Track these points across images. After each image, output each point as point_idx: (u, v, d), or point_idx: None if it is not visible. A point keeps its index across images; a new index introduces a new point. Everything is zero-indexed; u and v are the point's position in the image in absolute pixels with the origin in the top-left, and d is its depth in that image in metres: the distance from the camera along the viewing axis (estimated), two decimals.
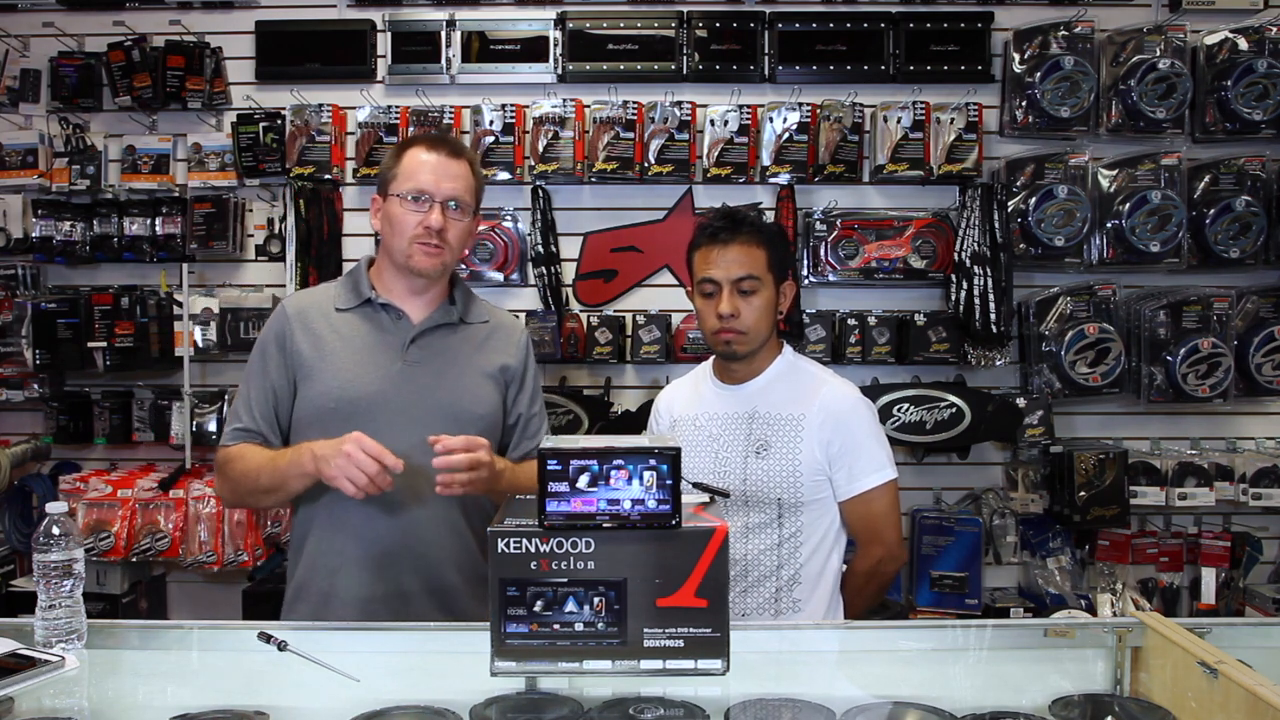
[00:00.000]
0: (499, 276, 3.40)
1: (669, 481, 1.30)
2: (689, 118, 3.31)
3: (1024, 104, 3.31)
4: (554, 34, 3.38)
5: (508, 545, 1.29)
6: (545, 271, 3.33)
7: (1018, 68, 3.32)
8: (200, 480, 3.26)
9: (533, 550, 1.29)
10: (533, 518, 1.31)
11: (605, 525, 1.30)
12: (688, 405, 2.17)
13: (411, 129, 3.35)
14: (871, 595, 2.12)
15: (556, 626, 1.29)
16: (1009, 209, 3.27)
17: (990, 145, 3.40)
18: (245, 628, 1.54)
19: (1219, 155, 3.36)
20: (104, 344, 3.31)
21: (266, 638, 1.49)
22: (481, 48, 3.40)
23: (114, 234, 3.40)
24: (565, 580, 1.29)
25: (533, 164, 3.33)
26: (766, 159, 3.33)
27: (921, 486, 3.43)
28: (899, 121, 3.30)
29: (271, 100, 3.42)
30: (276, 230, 3.45)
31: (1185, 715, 1.34)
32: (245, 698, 1.42)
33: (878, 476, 2.03)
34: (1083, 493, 3.22)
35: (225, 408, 3.31)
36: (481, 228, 3.29)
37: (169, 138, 3.45)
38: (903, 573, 3.33)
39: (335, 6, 3.46)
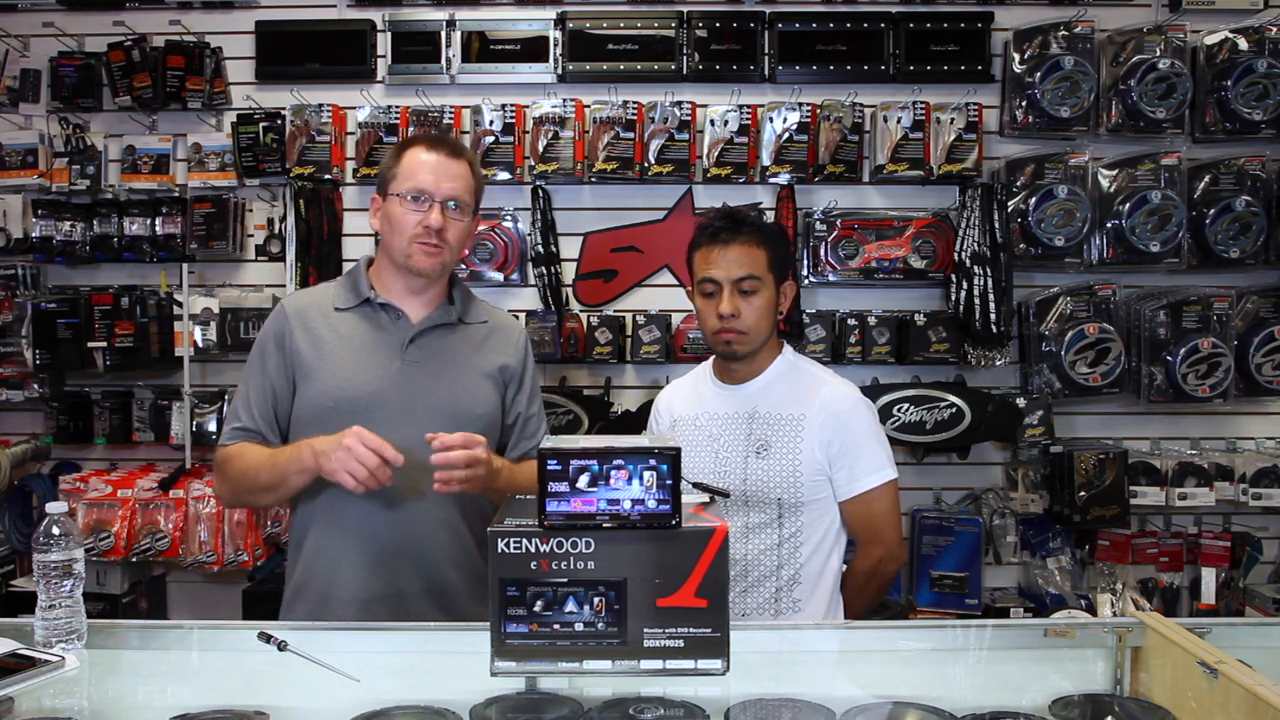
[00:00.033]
0: (499, 276, 3.40)
1: (669, 481, 1.30)
2: (689, 118, 3.31)
3: (1024, 104, 3.31)
4: (554, 34, 3.38)
5: (508, 545, 1.29)
6: (545, 271, 3.33)
7: (1018, 68, 3.32)
8: (200, 480, 3.26)
9: (533, 550, 1.29)
10: (533, 518, 1.31)
11: (605, 525, 1.30)
12: (688, 405, 2.17)
13: (411, 129, 3.35)
14: (871, 595, 2.12)
15: (556, 626, 1.29)
16: (1009, 209, 3.27)
17: (990, 145, 3.40)
18: (245, 628, 1.54)
19: (1219, 155, 3.36)
20: (104, 344, 3.31)
21: (266, 638, 1.49)
22: (481, 48, 3.40)
23: (114, 234, 3.40)
24: (565, 580, 1.29)
25: (533, 164, 3.33)
26: (766, 159, 3.33)
27: (921, 486, 3.43)
28: (899, 121, 3.30)
29: (271, 100, 3.42)
30: (276, 230, 3.45)
31: (1185, 715, 1.34)
32: (245, 698, 1.42)
33: (878, 476, 2.03)
34: (1083, 493, 3.22)
35: (225, 408, 3.31)
36: (481, 228, 3.30)
37: (169, 138, 3.45)
38: (903, 573, 3.33)
39: (335, 6, 3.46)
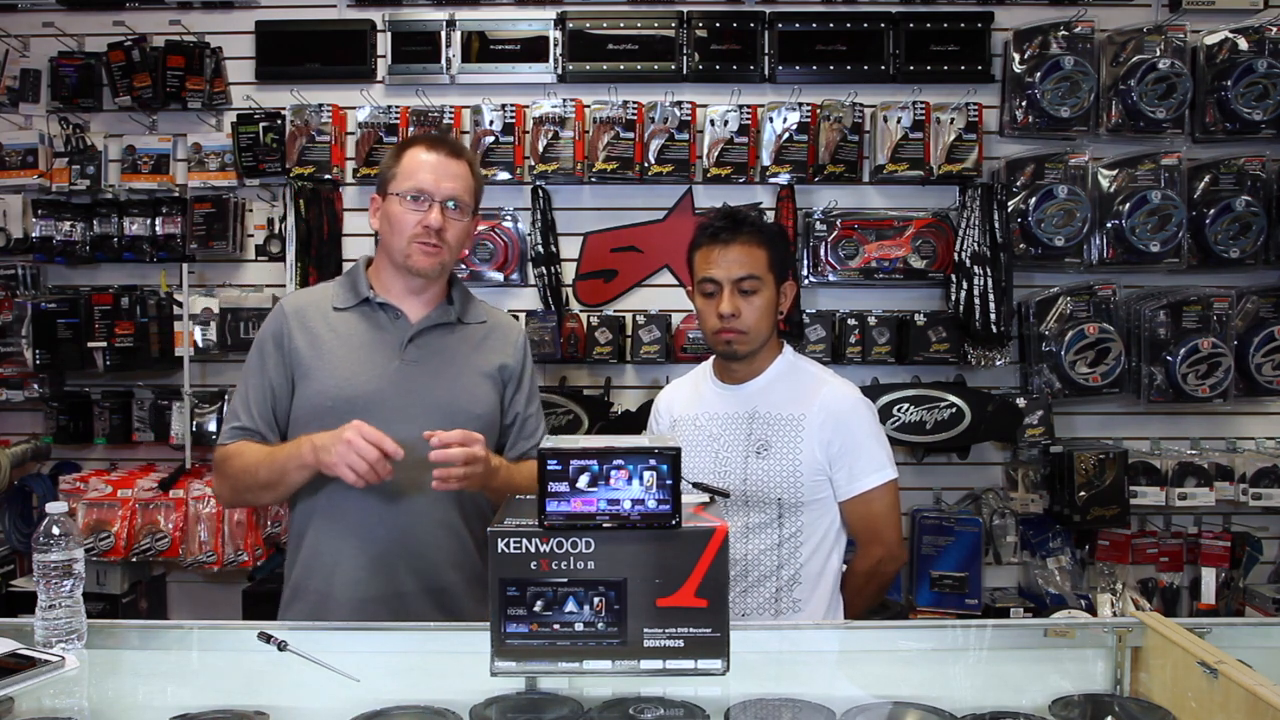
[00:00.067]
0: (499, 276, 3.40)
1: (669, 481, 1.30)
2: (689, 118, 3.31)
3: (1024, 104, 3.31)
4: (554, 34, 3.38)
5: (508, 545, 1.29)
6: (545, 271, 3.33)
7: (1018, 68, 3.32)
8: (200, 480, 3.26)
9: (533, 550, 1.29)
10: (533, 518, 1.31)
11: (605, 525, 1.30)
12: (688, 405, 2.17)
13: (411, 129, 3.35)
14: (871, 595, 2.12)
15: (556, 626, 1.29)
16: (1009, 209, 3.27)
17: (990, 145, 3.40)
18: (245, 628, 1.54)
19: (1219, 155, 3.36)
20: (104, 344, 3.31)
21: (266, 638, 1.49)
22: (481, 48, 3.40)
23: (114, 234, 3.40)
24: (565, 580, 1.29)
25: (533, 164, 3.33)
26: (766, 159, 3.33)
27: (921, 486, 3.43)
28: (899, 121, 3.30)
29: (271, 100, 3.42)
30: (276, 230, 3.45)
31: (1185, 715, 1.34)
32: (245, 698, 1.42)
33: (878, 476, 2.03)
34: (1083, 493, 3.22)
35: (225, 408, 3.31)
36: (481, 228, 3.30)
37: (169, 138, 3.45)
38: (903, 573, 3.33)
39: (335, 6, 3.46)
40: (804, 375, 2.11)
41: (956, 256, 3.27)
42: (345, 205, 3.40)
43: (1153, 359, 3.31)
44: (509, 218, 3.40)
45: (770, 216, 3.30)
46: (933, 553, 3.31)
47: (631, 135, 3.30)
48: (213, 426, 3.31)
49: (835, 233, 3.33)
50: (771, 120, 3.32)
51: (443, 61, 3.39)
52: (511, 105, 3.35)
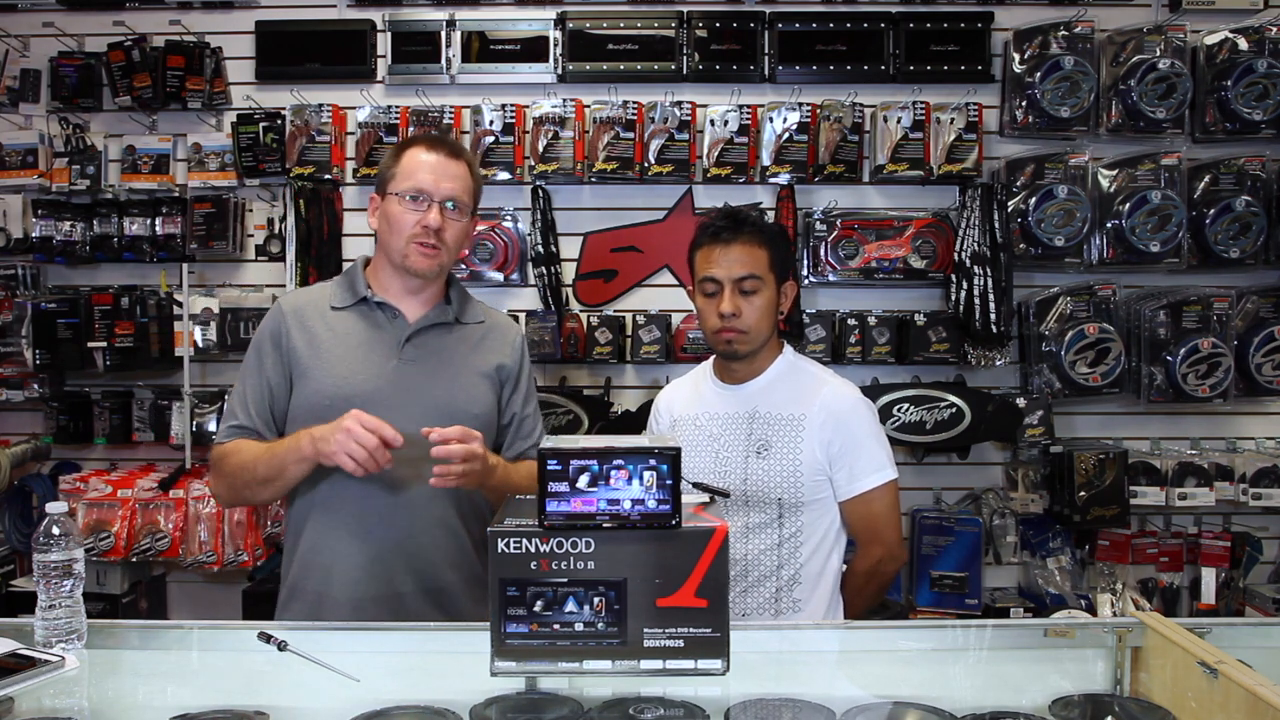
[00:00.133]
0: (499, 276, 3.39)
1: (669, 481, 1.30)
2: (689, 118, 3.31)
3: (1024, 104, 3.31)
4: (554, 34, 3.38)
5: (508, 545, 1.29)
6: (545, 271, 3.33)
7: (1018, 68, 3.32)
8: (200, 480, 3.26)
9: (533, 550, 1.29)
10: (532, 518, 1.31)
11: (605, 525, 1.30)
12: (688, 405, 2.17)
13: (411, 129, 3.35)
14: (871, 595, 2.12)
15: (556, 626, 1.29)
16: (1009, 209, 3.27)
17: (990, 145, 3.40)
18: (245, 628, 1.54)
19: (1219, 155, 3.36)
20: (104, 344, 3.31)
21: (266, 638, 1.49)
22: (481, 48, 3.40)
23: (114, 234, 3.40)
24: (565, 580, 1.29)
25: (533, 164, 3.33)
26: (766, 159, 3.33)
27: (921, 486, 3.43)
28: (899, 121, 3.30)
29: (271, 100, 3.42)
30: (276, 230, 3.45)
31: (1185, 715, 1.34)
32: (245, 698, 1.42)
33: (878, 476, 2.03)
34: (1083, 493, 3.22)
35: (224, 407, 3.31)
36: (481, 228, 3.30)
37: (169, 138, 3.45)
38: (903, 573, 3.33)
39: (335, 6, 3.46)
40: (804, 375, 2.11)
41: (956, 256, 3.27)
42: (345, 205, 3.40)
43: (1153, 359, 3.31)
44: (509, 218, 3.40)
45: (770, 216, 3.30)
46: (933, 553, 3.31)
47: (631, 135, 3.30)
48: (213, 426, 3.31)
49: (835, 233, 3.33)
50: (771, 120, 3.32)
51: (443, 61, 3.39)
52: (511, 105, 3.35)
